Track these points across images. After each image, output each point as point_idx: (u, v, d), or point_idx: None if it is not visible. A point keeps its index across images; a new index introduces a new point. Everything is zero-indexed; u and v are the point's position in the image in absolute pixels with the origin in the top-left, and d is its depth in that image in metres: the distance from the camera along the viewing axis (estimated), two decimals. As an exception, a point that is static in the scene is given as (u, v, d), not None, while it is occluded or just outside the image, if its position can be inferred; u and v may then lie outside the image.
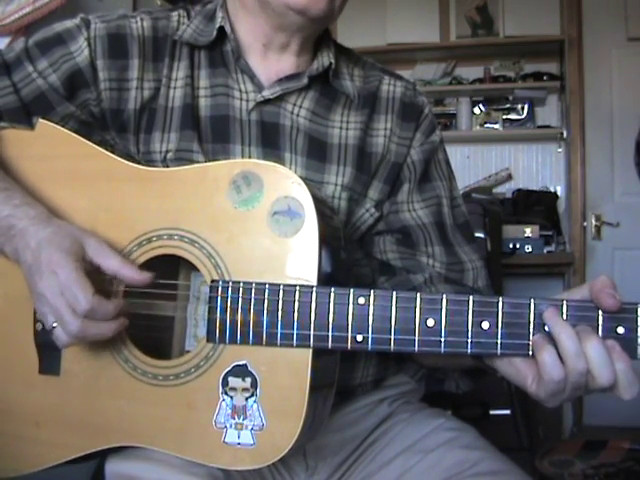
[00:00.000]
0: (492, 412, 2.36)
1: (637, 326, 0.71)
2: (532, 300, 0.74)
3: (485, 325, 0.74)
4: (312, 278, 0.79)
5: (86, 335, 0.80)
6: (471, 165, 3.91)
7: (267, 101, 0.99)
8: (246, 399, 0.80)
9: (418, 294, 0.77)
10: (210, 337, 0.82)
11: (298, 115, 1.00)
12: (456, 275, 1.07)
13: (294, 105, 1.00)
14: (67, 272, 0.78)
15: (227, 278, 0.82)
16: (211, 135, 0.98)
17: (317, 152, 1.00)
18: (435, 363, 1.06)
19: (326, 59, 1.01)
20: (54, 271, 0.79)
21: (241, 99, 0.99)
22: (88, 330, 0.79)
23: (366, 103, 1.04)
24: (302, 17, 0.92)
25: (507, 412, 2.40)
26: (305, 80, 0.99)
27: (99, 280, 0.82)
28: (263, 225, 0.81)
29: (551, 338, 0.73)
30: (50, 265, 0.79)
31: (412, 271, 1.06)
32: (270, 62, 1.00)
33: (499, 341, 0.74)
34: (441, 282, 1.05)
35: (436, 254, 1.06)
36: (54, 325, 0.80)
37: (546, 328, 0.73)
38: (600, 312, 0.72)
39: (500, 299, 0.74)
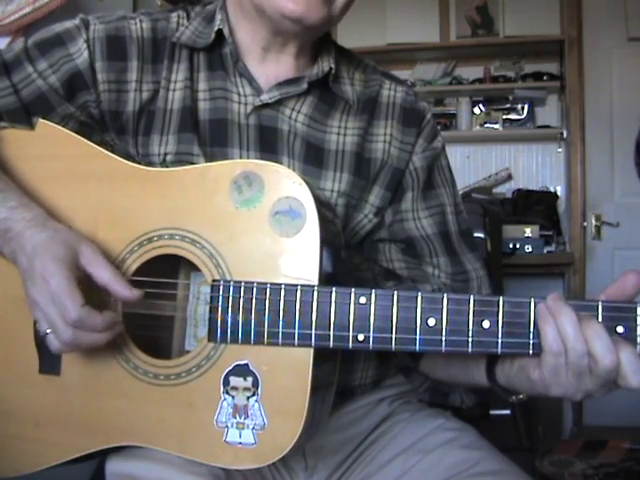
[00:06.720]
0: (492, 412, 2.35)
1: (636, 325, 0.71)
2: (532, 299, 0.74)
3: (486, 324, 0.74)
4: (313, 278, 0.79)
5: (79, 344, 0.80)
6: (471, 165, 3.91)
7: (265, 105, 0.98)
8: (247, 398, 0.80)
9: (419, 293, 0.77)
10: (211, 337, 0.82)
11: (296, 120, 0.99)
12: (461, 285, 1.07)
13: (292, 110, 0.99)
14: (58, 281, 0.78)
15: (228, 278, 0.82)
16: (210, 138, 0.97)
17: (314, 158, 0.99)
18: (443, 378, 1.05)
19: (326, 64, 1.00)
20: (46, 279, 0.79)
21: (239, 103, 0.98)
22: (80, 339, 0.79)
23: (365, 108, 1.04)
24: (298, 25, 0.92)
25: (507, 412, 2.40)
26: (304, 85, 0.99)
27: (96, 286, 0.82)
28: (264, 225, 0.81)
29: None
30: (43, 273, 0.79)
31: (418, 281, 1.07)
32: (269, 65, 1.00)
33: (500, 340, 0.74)
34: (448, 292, 1.05)
35: (441, 265, 1.07)
36: (48, 331, 0.80)
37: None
38: (600, 311, 0.72)
39: (500, 298, 0.75)
